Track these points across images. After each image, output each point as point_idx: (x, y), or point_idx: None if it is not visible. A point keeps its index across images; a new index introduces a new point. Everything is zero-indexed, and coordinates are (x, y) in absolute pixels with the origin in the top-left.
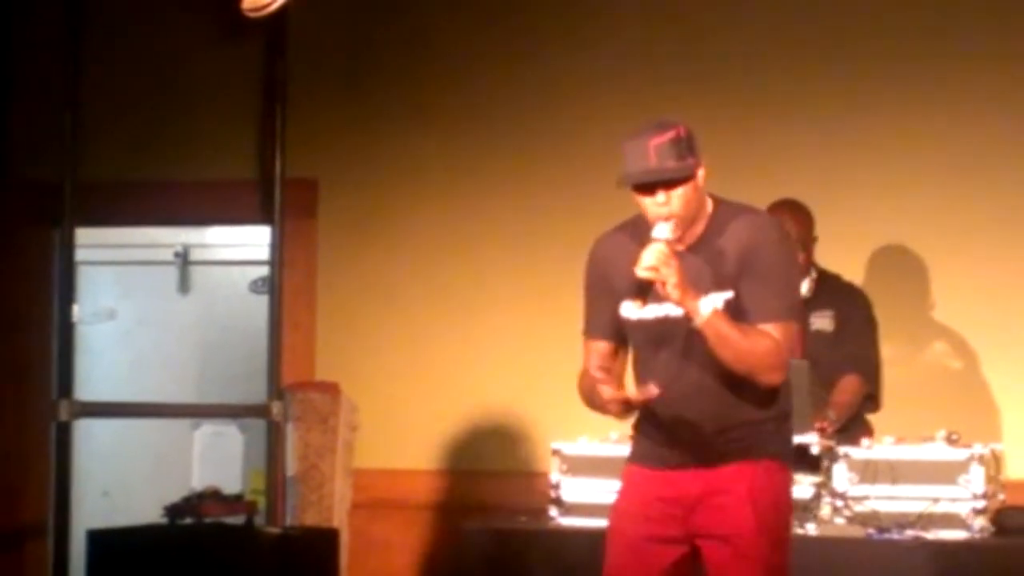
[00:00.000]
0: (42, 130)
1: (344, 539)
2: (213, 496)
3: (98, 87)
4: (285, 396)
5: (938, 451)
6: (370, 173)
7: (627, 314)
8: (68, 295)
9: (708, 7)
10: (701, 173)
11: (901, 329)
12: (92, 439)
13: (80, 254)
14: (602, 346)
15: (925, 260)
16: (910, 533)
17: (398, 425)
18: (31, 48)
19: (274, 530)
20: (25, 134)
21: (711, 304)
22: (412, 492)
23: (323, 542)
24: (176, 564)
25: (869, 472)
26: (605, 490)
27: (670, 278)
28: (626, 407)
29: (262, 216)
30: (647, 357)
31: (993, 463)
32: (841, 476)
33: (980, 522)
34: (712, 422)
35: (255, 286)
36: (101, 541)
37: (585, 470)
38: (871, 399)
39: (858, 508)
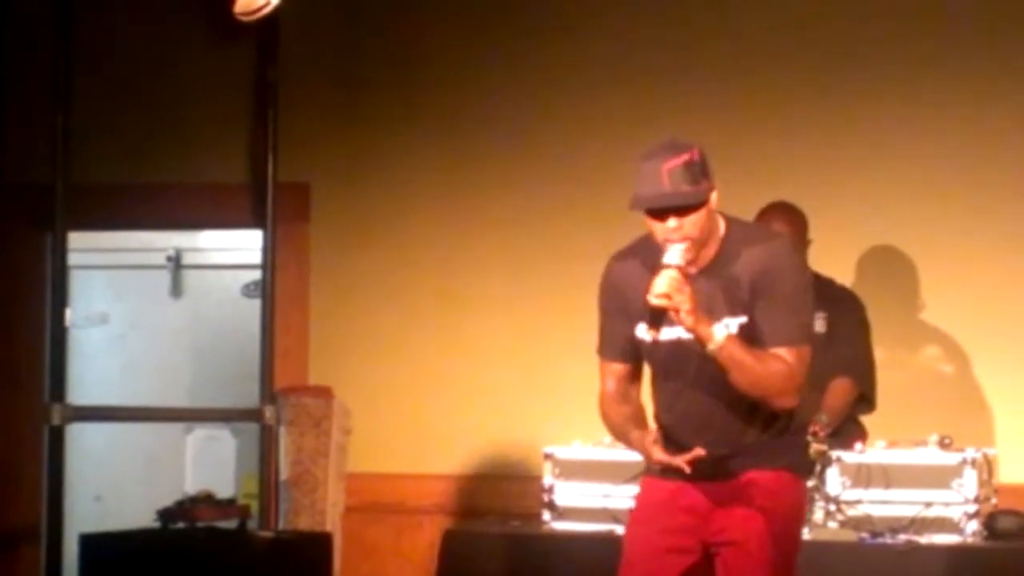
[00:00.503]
0: (34, 134)
1: (337, 543)
2: (206, 500)
3: (90, 91)
4: (278, 400)
5: (931, 455)
6: (362, 177)
7: (642, 335)
8: (61, 299)
9: (703, 12)
10: (714, 196)
11: (894, 332)
12: (85, 443)
13: (72, 258)
14: (618, 368)
15: (917, 263)
16: (903, 537)
17: (391, 429)
18: (23, 51)
19: (267, 534)
20: (17, 138)
21: (724, 330)
22: (405, 496)
23: (316, 546)
24: (169, 568)
25: (862, 476)
26: (598, 494)
27: (683, 305)
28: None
29: (254, 220)
30: (662, 378)
31: (985, 467)
32: (834, 480)
33: (973, 526)
34: (726, 444)
35: (247, 290)
36: (94, 545)
37: (578, 474)
38: (865, 400)
39: (851, 512)
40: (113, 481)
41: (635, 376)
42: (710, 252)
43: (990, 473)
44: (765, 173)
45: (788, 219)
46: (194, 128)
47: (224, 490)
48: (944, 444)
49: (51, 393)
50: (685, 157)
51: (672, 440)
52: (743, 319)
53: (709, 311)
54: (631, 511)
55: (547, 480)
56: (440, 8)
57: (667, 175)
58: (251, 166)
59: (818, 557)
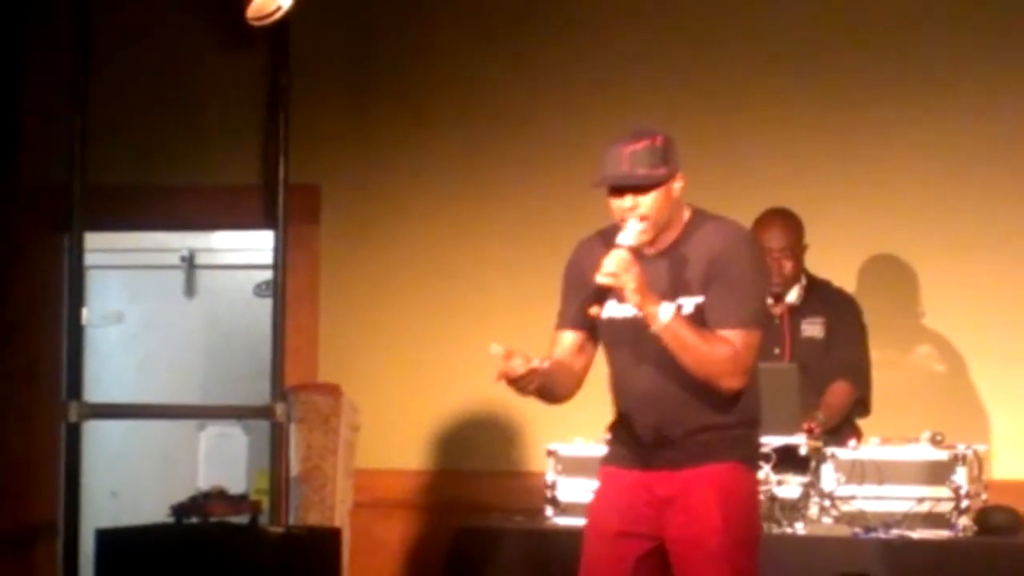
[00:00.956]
0: (52, 136)
1: (346, 538)
2: (218, 496)
3: (107, 94)
4: (288, 398)
5: (923, 452)
6: (371, 179)
7: (593, 312)
8: (77, 299)
9: (701, 17)
10: (678, 185)
11: (889, 333)
12: (101, 440)
13: (89, 258)
14: (568, 336)
15: (913, 266)
16: (896, 532)
17: (399, 426)
18: (41, 55)
19: (278, 529)
20: (35, 140)
21: (670, 310)
22: (412, 492)
23: (325, 541)
24: (183, 562)
25: (856, 472)
26: None
27: (629, 284)
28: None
29: (266, 221)
30: (616, 357)
31: (976, 463)
32: (829, 476)
33: (964, 521)
34: (678, 425)
35: (259, 290)
36: (110, 540)
37: (580, 470)
38: (861, 404)
39: (845, 508)
40: (128, 477)
41: (580, 349)
42: (670, 237)
43: (981, 469)
44: (761, 179)
45: (785, 224)
46: (208, 131)
47: (236, 486)
48: (936, 441)
49: (68, 391)
50: (647, 142)
51: (628, 422)
52: (699, 299)
53: (661, 292)
54: (591, 501)
55: (550, 476)
56: (450, 13)
57: (628, 157)
58: (263, 168)
59: (813, 551)
